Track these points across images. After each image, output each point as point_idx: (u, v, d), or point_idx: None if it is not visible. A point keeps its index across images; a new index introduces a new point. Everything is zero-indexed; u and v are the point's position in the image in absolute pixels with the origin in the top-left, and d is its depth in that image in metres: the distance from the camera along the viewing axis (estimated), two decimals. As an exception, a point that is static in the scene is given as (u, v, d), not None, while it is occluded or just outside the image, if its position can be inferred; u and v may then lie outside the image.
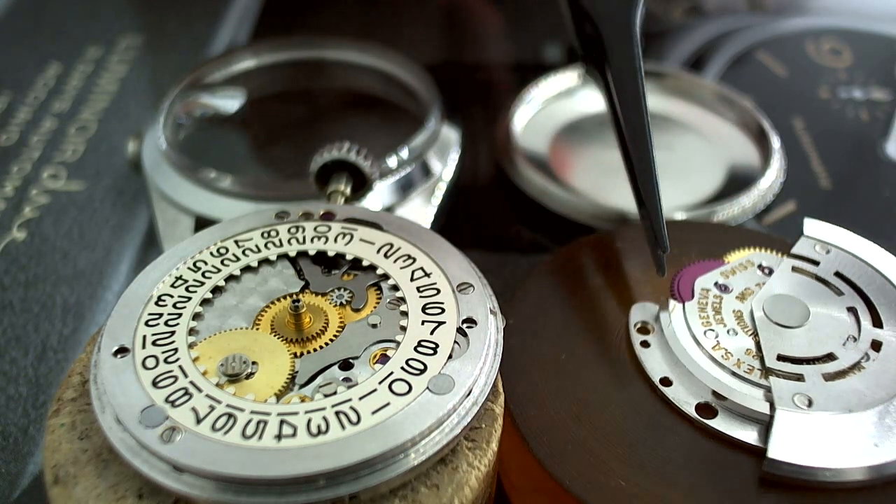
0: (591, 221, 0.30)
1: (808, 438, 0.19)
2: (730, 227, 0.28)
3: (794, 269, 0.23)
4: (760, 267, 0.23)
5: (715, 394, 0.20)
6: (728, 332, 0.22)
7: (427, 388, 0.18)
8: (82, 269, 0.29)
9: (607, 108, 0.26)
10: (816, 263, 0.23)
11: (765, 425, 0.20)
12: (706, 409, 0.20)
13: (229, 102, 0.35)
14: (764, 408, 0.20)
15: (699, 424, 0.20)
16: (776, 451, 0.19)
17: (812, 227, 0.24)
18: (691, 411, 0.20)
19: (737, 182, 0.32)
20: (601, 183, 0.32)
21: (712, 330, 0.22)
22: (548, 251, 0.29)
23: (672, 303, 0.22)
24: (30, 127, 0.36)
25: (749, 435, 0.20)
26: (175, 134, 0.32)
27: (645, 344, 0.22)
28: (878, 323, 0.22)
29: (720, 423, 0.20)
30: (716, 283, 0.23)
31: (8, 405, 0.25)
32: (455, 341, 0.19)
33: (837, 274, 0.23)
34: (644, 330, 0.22)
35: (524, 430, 0.20)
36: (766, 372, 0.20)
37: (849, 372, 0.21)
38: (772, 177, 0.31)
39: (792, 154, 0.34)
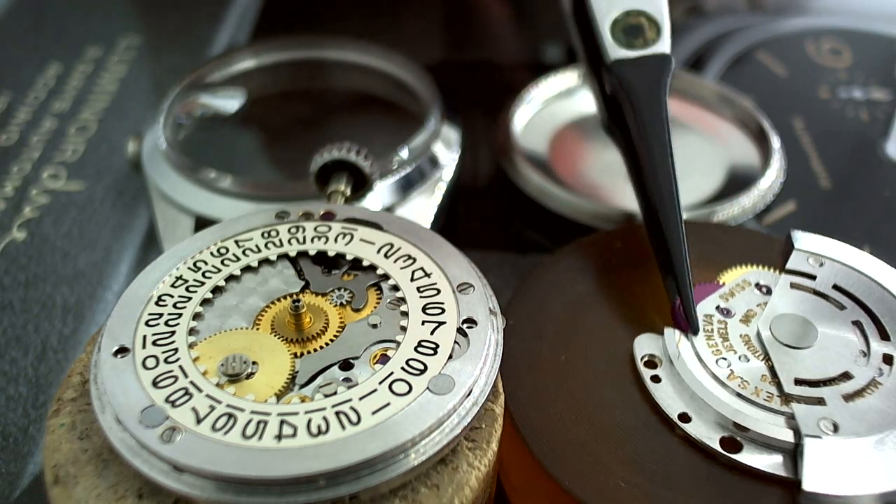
0: (591, 221, 0.30)
1: (841, 466, 0.18)
2: (730, 227, 0.28)
3: (792, 285, 0.23)
4: (758, 286, 0.23)
5: (737, 426, 0.20)
6: (740, 358, 0.21)
7: (427, 388, 0.18)
8: (82, 269, 0.29)
9: (627, 166, 0.26)
10: (813, 278, 0.23)
11: (789, 454, 0.19)
12: (730, 443, 0.19)
13: (229, 102, 0.35)
14: (788, 436, 0.19)
15: (724, 460, 0.19)
16: (811, 482, 0.18)
17: (802, 239, 0.24)
18: (716, 446, 0.19)
19: (737, 182, 0.32)
20: (601, 183, 0.32)
21: (724, 358, 0.21)
22: (548, 251, 0.29)
23: (677, 333, 0.22)
24: (30, 127, 0.36)
25: (776, 466, 0.19)
26: (175, 134, 0.32)
27: (655, 379, 0.21)
28: (884, 335, 0.22)
29: (747, 457, 0.19)
30: (717, 308, 0.22)
31: (8, 405, 0.25)
32: (455, 341, 0.19)
33: (836, 287, 0.23)
34: (651, 364, 0.21)
35: (524, 430, 0.20)
36: (786, 398, 0.20)
37: (866, 390, 0.20)
38: (772, 177, 0.31)
39: (792, 154, 0.34)
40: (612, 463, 0.20)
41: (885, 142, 0.35)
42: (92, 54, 0.40)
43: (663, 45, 0.25)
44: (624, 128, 0.25)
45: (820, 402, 0.20)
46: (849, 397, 0.20)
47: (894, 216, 0.31)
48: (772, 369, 0.21)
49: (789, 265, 0.23)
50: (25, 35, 0.42)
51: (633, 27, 0.25)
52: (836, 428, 0.19)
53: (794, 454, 0.19)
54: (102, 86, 0.38)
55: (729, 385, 0.20)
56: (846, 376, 0.20)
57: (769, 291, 0.23)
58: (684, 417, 0.20)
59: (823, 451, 0.19)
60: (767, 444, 0.19)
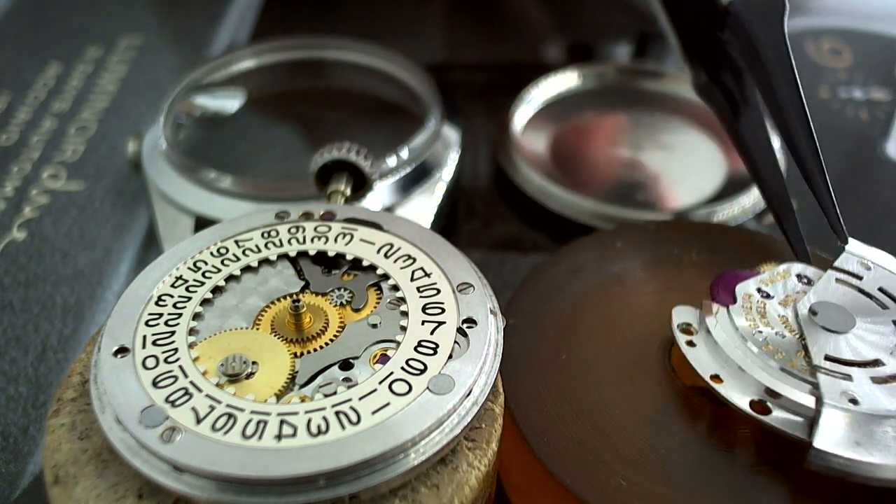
0: (591, 221, 0.30)
1: (853, 434, 0.19)
2: (730, 227, 0.28)
3: (837, 280, 0.23)
4: (799, 276, 0.23)
5: (768, 391, 0.20)
6: (776, 333, 0.21)
7: (427, 388, 0.18)
8: (82, 269, 0.29)
9: (723, 120, 0.26)
10: (860, 278, 0.23)
11: (809, 420, 0.19)
12: (759, 406, 0.20)
13: (229, 102, 0.35)
14: (811, 402, 0.19)
15: (752, 420, 0.20)
16: (821, 441, 0.19)
17: (854, 245, 0.24)
18: (745, 407, 0.20)
19: (737, 182, 0.32)
20: (601, 183, 0.32)
21: (760, 332, 0.21)
22: (548, 251, 0.29)
23: (715, 306, 0.22)
24: (30, 127, 0.36)
25: (798, 428, 0.19)
26: (175, 134, 0.32)
27: (690, 344, 0.21)
28: None
29: (774, 419, 0.20)
30: (758, 290, 0.23)
31: (8, 405, 0.25)
32: (455, 341, 0.19)
33: (881, 289, 0.23)
34: (687, 331, 0.22)
35: (524, 430, 0.20)
36: (814, 370, 0.20)
37: (894, 378, 0.20)
38: (772, 177, 0.31)
39: (792, 154, 0.34)
40: (613, 461, 0.20)
41: (885, 142, 0.35)
42: (92, 54, 0.40)
43: None
44: (738, 74, 0.25)
45: (847, 378, 0.20)
46: (877, 380, 0.20)
47: (894, 216, 0.31)
48: (804, 346, 0.21)
49: (837, 263, 0.23)
50: (25, 35, 0.42)
51: None
52: (855, 402, 0.19)
53: (813, 421, 0.19)
54: (102, 86, 0.38)
55: (763, 353, 0.21)
56: (878, 363, 0.21)
57: (810, 282, 0.23)
58: (716, 378, 0.20)
59: (839, 418, 0.19)
60: (796, 411, 0.20)
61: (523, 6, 0.45)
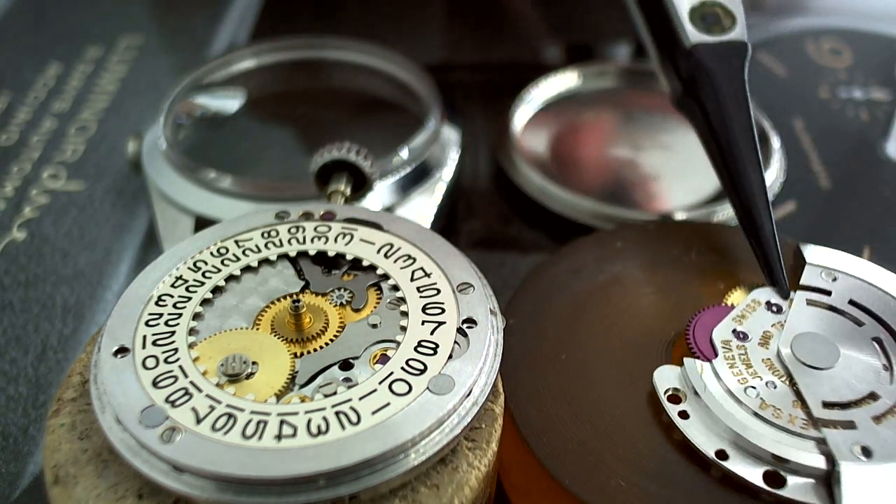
0: (591, 221, 0.30)
1: (878, 490, 0.18)
2: (730, 227, 0.28)
3: (808, 302, 0.22)
4: (768, 305, 0.22)
5: (776, 458, 0.19)
6: (767, 384, 0.20)
7: (427, 388, 0.18)
8: (82, 269, 0.29)
9: (704, 144, 0.26)
10: (828, 293, 0.23)
11: (822, 480, 0.19)
12: (773, 478, 0.19)
13: (229, 102, 0.35)
14: (821, 462, 0.19)
15: (769, 497, 0.19)
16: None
17: (813, 252, 0.23)
18: (760, 483, 0.19)
19: (737, 182, 0.31)
20: (601, 183, 0.32)
21: (752, 387, 0.20)
22: (548, 251, 0.29)
23: (698, 364, 0.21)
24: (30, 127, 0.36)
25: (811, 493, 0.18)
26: (175, 134, 0.32)
27: (683, 415, 0.20)
28: None
29: (792, 491, 0.18)
30: (734, 332, 0.22)
31: (8, 405, 0.25)
32: (455, 341, 0.19)
33: (852, 302, 0.22)
34: (676, 398, 0.20)
35: (524, 430, 0.20)
36: (816, 423, 0.19)
37: (894, 409, 0.20)
38: (772, 177, 0.31)
39: (792, 154, 0.34)
40: (613, 462, 0.20)
41: (885, 142, 0.35)
42: (92, 54, 0.40)
43: (740, 33, 0.26)
44: (703, 109, 0.26)
45: (850, 425, 0.19)
46: (878, 418, 0.20)
47: (894, 216, 0.31)
48: (798, 393, 0.20)
49: (803, 280, 0.23)
50: (25, 35, 0.42)
51: (710, 15, 0.26)
52: (868, 453, 0.19)
53: (827, 480, 0.18)
54: (102, 86, 0.38)
55: (763, 415, 0.20)
56: (873, 396, 0.20)
57: (780, 310, 0.22)
58: (722, 455, 0.19)
59: (859, 477, 0.18)
60: (808, 474, 0.19)
61: (521, 6, 0.45)
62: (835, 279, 0.23)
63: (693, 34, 0.26)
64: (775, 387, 0.20)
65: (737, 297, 0.23)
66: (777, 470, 0.19)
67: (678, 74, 0.28)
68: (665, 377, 0.21)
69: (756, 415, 0.20)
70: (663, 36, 0.28)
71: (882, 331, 0.22)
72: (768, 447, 0.19)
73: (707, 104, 0.25)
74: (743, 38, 0.26)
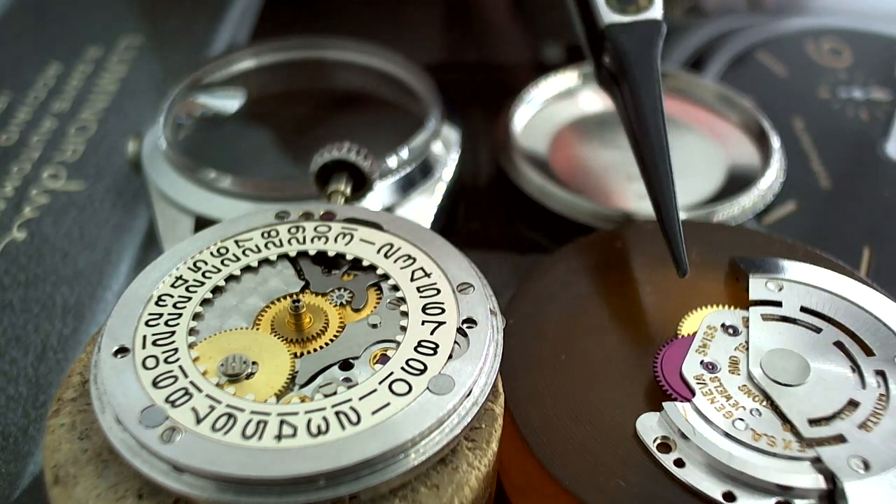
0: (591, 221, 0.30)
1: (885, 500, 0.18)
2: (730, 227, 0.28)
3: (763, 317, 0.22)
4: (724, 327, 0.22)
5: (781, 487, 0.18)
6: (752, 412, 0.20)
7: (427, 388, 0.18)
8: (82, 269, 0.29)
9: (623, 121, 0.27)
10: (779, 304, 0.22)
11: (825, 499, 0.18)
12: None
13: (229, 102, 0.35)
14: (820, 481, 0.19)
15: None
16: None
17: (750, 265, 0.23)
18: None
19: (737, 182, 0.31)
20: (601, 183, 0.32)
21: (740, 419, 0.20)
22: (548, 251, 0.29)
23: (679, 406, 0.20)
24: (30, 127, 0.36)
25: None
26: (175, 134, 0.32)
27: (679, 463, 0.19)
28: (867, 350, 0.21)
29: None
30: (701, 363, 0.21)
31: (8, 405, 0.25)
32: (455, 341, 0.19)
33: (804, 309, 0.22)
34: (666, 446, 0.20)
35: (524, 430, 0.20)
36: (808, 443, 0.19)
37: (876, 413, 0.20)
38: (772, 177, 0.31)
39: (792, 154, 0.34)
40: (613, 462, 0.20)
41: (885, 142, 0.35)
42: (92, 54, 0.40)
43: (655, 12, 0.26)
44: (619, 88, 0.26)
45: (841, 439, 0.19)
46: (863, 426, 0.20)
47: (894, 216, 0.31)
48: (782, 415, 0.20)
49: (752, 295, 0.23)
50: (25, 35, 0.42)
51: None
52: (867, 465, 0.19)
53: (830, 498, 0.18)
54: (102, 86, 0.38)
55: (759, 447, 0.19)
56: (853, 404, 0.20)
57: (736, 331, 0.22)
58: (729, 496, 0.19)
59: (863, 492, 0.18)
60: (811, 496, 0.19)
61: (501, 12, 0.45)
62: (781, 288, 0.23)
63: (607, 14, 0.26)
64: (760, 414, 0.20)
65: (690, 326, 0.23)
66: (783, 499, 0.19)
67: (595, 54, 0.28)
68: (649, 427, 0.20)
69: (753, 448, 0.19)
70: (584, 16, 0.29)
71: (840, 333, 0.22)
72: (774, 479, 0.19)
73: (619, 84, 0.26)
74: (658, 17, 0.26)
